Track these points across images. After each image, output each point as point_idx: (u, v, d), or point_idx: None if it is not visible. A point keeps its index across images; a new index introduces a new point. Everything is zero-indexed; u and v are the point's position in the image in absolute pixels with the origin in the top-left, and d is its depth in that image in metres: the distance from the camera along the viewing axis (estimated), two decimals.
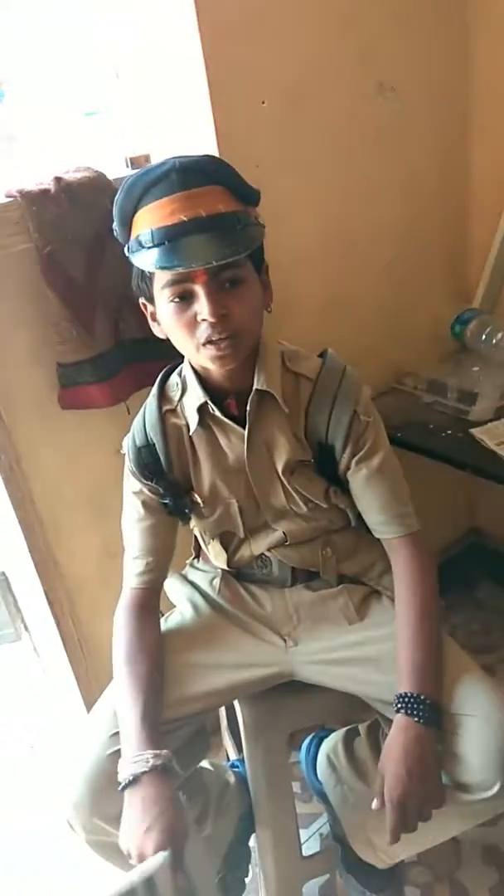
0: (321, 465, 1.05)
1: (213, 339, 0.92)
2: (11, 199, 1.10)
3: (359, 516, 1.11)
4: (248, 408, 1.01)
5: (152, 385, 1.09)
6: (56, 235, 1.11)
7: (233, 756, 1.38)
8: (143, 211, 0.91)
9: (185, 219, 0.88)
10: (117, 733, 0.97)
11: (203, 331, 0.92)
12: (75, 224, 1.13)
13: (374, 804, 0.91)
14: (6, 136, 1.25)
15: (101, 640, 1.37)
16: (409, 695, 0.94)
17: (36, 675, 1.67)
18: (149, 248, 0.90)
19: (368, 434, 1.03)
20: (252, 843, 1.25)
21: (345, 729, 1.26)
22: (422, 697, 0.93)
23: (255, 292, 0.96)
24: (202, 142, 1.22)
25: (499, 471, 1.23)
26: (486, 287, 1.60)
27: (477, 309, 1.58)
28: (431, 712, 0.93)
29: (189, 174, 0.89)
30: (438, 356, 1.60)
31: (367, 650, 1.04)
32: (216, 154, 1.22)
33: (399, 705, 0.94)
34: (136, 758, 0.92)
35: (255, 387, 1.00)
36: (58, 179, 1.12)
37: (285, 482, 1.05)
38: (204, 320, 0.91)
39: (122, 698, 0.99)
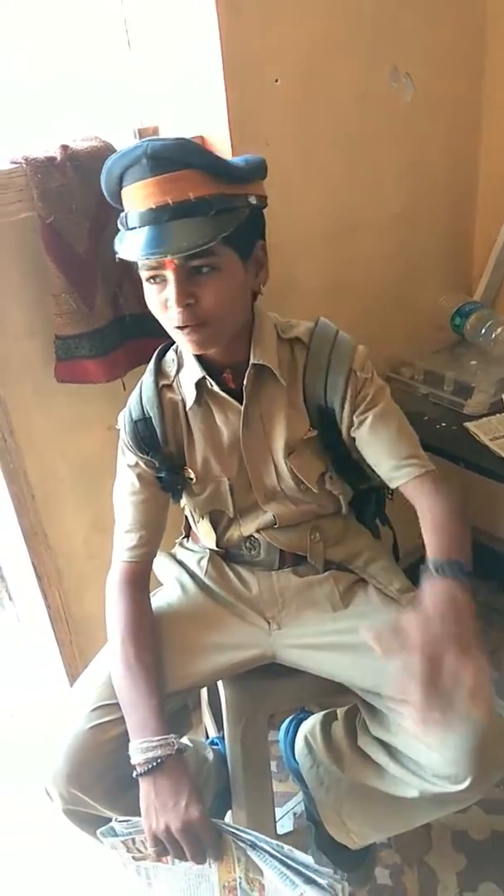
0: (324, 432, 1.05)
1: (181, 325, 0.93)
2: (16, 165, 1.08)
3: (349, 504, 1.12)
4: (244, 382, 1.01)
5: (149, 363, 1.09)
6: (60, 205, 1.09)
7: (212, 733, 1.40)
8: (124, 192, 0.92)
9: (153, 206, 0.89)
10: (101, 707, 0.99)
11: (172, 316, 0.93)
12: (80, 194, 1.11)
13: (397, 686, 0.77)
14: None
15: (86, 613, 1.38)
16: (437, 560, 0.89)
17: (17, 644, 1.68)
18: (129, 229, 0.92)
19: (368, 388, 1.02)
20: (228, 819, 1.27)
21: (323, 712, 1.28)
22: (451, 559, 0.88)
23: (232, 279, 0.94)
24: (213, 116, 1.21)
25: (491, 466, 1.24)
26: (489, 280, 1.60)
27: (478, 302, 1.58)
28: (459, 570, 0.87)
29: (159, 160, 0.88)
30: (436, 348, 1.59)
31: (349, 637, 1.04)
32: (226, 129, 1.20)
33: (428, 572, 0.88)
34: (159, 741, 0.93)
35: (251, 361, 1.00)
36: (64, 148, 1.10)
37: (279, 461, 1.05)
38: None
39: (136, 683, 0.98)
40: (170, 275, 0.91)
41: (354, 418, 1.03)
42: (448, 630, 0.78)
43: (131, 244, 0.91)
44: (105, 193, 0.96)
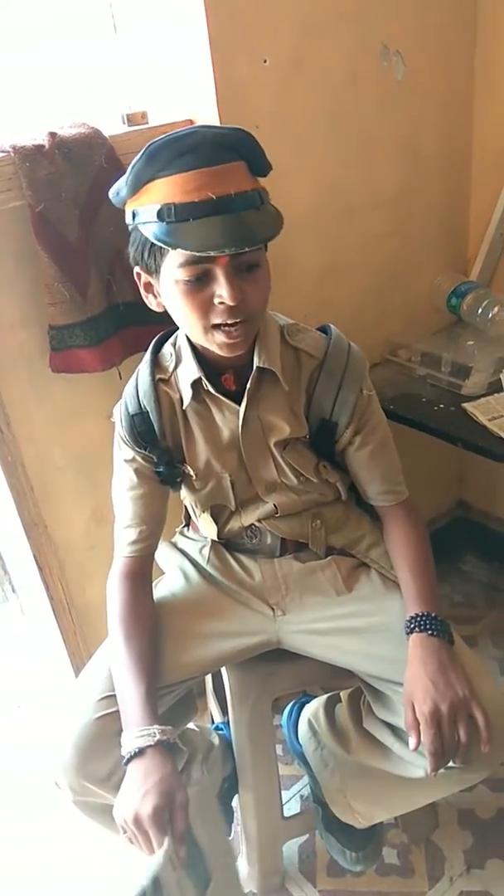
0: (317, 440, 1.05)
1: (228, 322, 0.90)
2: (4, 154, 1.07)
3: (348, 490, 1.12)
4: (248, 385, 1.00)
5: (145, 350, 1.08)
6: (49, 193, 1.08)
7: (217, 718, 1.40)
8: (163, 181, 0.86)
9: (214, 196, 0.84)
10: (106, 697, 0.99)
11: (218, 314, 0.90)
12: (69, 182, 1.10)
13: (411, 744, 0.91)
14: None
15: (89, 602, 1.38)
16: (419, 614, 0.98)
17: (22, 635, 1.69)
18: (170, 223, 0.85)
19: (371, 407, 1.05)
20: (235, 803, 1.27)
21: (327, 695, 1.28)
22: (431, 614, 0.98)
23: (268, 275, 0.94)
24: (202, 99, 1.19)
25: (489, 446, 1.23)
26: (484, 260, 1.59)
27: (474, 282, 1.57)
28: (442, 626, 0.97)
29: (219, 148, 0.85)
30: (433, 329, 1.59)
31: (354, 622, 1.05)
32: (216, 113, 1.19)
33: (411, 625, 0.98)
34: (141, 732, 0.92)
35: (256, 364, 0.99)
36: (52, 135, 1.09)
37: (277, 456, 1.04)
38: (221, 303, 0.89)
39: (124, 675, 0.98)
40: (220, 271, 0.87)
41: (356, 439, 1.05)
42: (442, 693, 0.90)
43: (193, 236, 0.84)
44: (129, 181, 0.89)
